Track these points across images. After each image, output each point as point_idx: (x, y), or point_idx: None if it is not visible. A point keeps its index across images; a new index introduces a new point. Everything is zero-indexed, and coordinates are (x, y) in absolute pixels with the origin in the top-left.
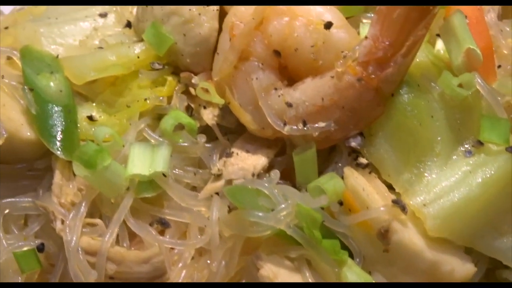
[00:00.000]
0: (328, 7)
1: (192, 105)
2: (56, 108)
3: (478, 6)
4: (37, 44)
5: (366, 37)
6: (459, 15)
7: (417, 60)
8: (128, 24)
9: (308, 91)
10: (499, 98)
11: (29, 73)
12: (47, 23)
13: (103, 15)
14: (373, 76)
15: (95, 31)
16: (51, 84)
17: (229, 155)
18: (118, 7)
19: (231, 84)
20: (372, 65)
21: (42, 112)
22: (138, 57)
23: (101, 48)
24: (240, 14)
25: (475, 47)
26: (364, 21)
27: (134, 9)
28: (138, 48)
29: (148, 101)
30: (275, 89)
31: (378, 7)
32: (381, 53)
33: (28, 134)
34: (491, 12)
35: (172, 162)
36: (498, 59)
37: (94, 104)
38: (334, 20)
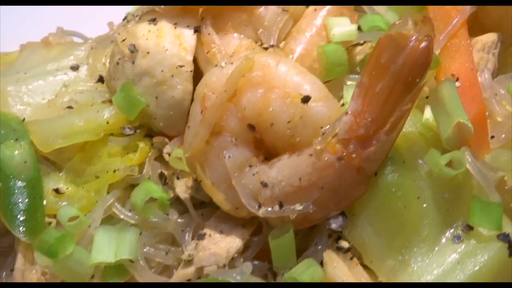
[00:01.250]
0: (307, 77)
1: (166, 173)
2: (19, 184)
3: (472, 67)
4: (4, 105)
5: (346, 112)
6: (448, 84)
7: (404, 130)
8: (101, 79)
9: (285, 170)
10: (493, 174)
11: None
12: (16, 80)
13: (75, 68)
14: (354, 155)
15: (65, 88)
16: (16, 153)
17: (202, 237)
18: (90, 59)
19: (202, 161)
20: (353, 143)
21: (4, 188)
22: (108, 122)
23: (70, 107)
24: (212, 84)
25: (466, 120)
26: (349, 83)
27: (107, 59)
28: (107, 113)
29: (117, 173)
30: (250, 166)
31: (359, 79)
32: (362, 130)
33: None
34: (485, 72)
35: (143, 240)
36: (491, 127)
37: (61, 174)
38: (313, 91)
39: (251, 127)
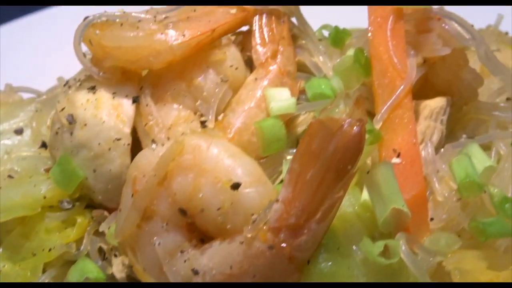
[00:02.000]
0: (239, 160)
1: (105, 247)
2: None
3: (414, 141)
4: None
5: (277, 200)
6: (384, 167)
7: (341, 210)
8: (44, 145)
9: (216, 258)
10: (431, 259)
11: None
12: None
13: (19, 132)
14: (284, 244)
15: (7, 155)
16: None
17: None
18: (34, 123)
19: (134, 246)
20: (284, 231)
21: None
22: (45, 197)
23: (11, 177)
24: (143, 166)
25: (402, 206)
26: (288, 157)
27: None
28: (44, 187)
29: (53, 251)
30: (181, 252)
31: (290, 165)
32: (293, 219)
33: None
34: (428, 146)
35: None
36: (432, 207)
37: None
38: (244, 176)
39: (183, 211)
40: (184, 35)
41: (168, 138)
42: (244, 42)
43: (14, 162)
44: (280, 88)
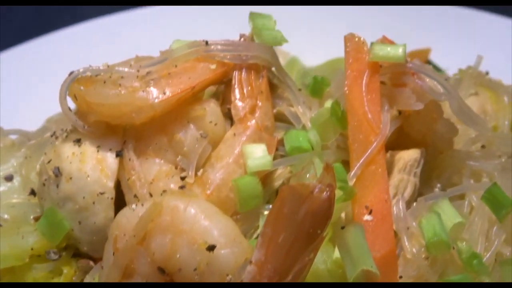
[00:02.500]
0: (216, 220)
1: None
2: None
3: (386, 197)
4: None
5: (250, 261)
6: (355, 229)
7: (314, 267)
8: (33, 192)
9: None
10: None
11: None
12: None
13: (9, 179)
14: None
15: None
16: None
17: None
18: (23, 170)
19: None
20: None
21: None
22: (32, 249)
23: (3, 222)
24: (123, 226)
25: (371, 267)
26: (265, 212)
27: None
28: (32, 239)
29: None
30: None
31: (263, 229)
32: (265, 280)
33: None
34: (400, 202)
35: None
36: (402, 263)
37: None
38: (220, 238)
39: (161, 270)
40: (164, 93)
41: (150, 194)
42: (224, 94)
43: (4, 209)
44: (257, 145)
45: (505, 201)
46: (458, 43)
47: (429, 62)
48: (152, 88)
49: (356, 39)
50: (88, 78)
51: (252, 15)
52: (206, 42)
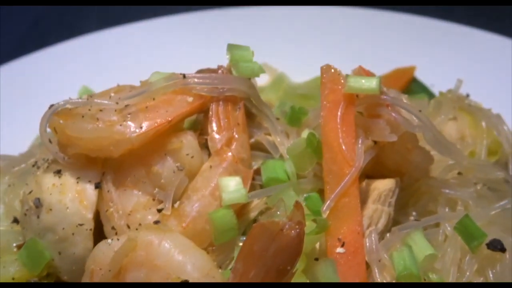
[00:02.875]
0: (190, 255)
1: None
2: None
3: (359, 230)
4: None
5: None
6: (327, 265)
7: None
8: (16, 220)
9: None
10: None
11: None
12: None
13: None
14: None
15: None
16: None
17: None
18: (7, 198)
19: None
20: None
21: None
22: (13, 278)
23: None
24: (99, 260)
25: None
26: (240, 244)
27: None
28: (13, 269)
29: None
30: None
31: (234, 265)
32: None
33: None
34: (372, 234)
35: None
36: None
37: None
38: (194, 272)
39: None
40: (141, 127)
41: (128, 226)
42: (203, 125)
43: None
44: (233, 178)
45: (476, 232)
46: (444, 59)
47: (414, 80)
48: (129, 122)
49: (332, 70)
50: (67, 112)
51: (230, 47)
52: (184, 76)
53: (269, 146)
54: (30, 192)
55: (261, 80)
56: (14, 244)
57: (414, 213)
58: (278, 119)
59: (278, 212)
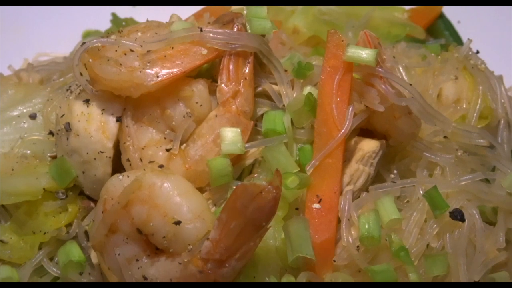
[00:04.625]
0: (186, 198)
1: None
2: None
3: (336, 189)
4: None
5: (208, 238)
6: (299, 221)
7: (265, 242)
8: (51, 133)
9: (161, 270)
10: None
11: None
12: None
13: (33, 117)
14: (210, 271)
15: (21, 140)
16: None
17: None
18: (45, 111)
19: (102, 250)
20: (210, 262)
21: None
22: (44, 189)
23: (24, 158)
24: (111, 192)
25: (307, 255)
26: (234, 186)
27: None
28: (44, 181)
29: (47, 235)
30: (137, 260)
31: (220, 214)
32: (218, 255)
33: None
34: (348, 194)
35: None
36: (338, 250)
37: (8, 224)
38: (187, 214)
39: (139, 231)
40: (158, 76)
41: (141, 159)
42: (216, 72)
43: (27, 145)
44: (233, 129)
45: (440, 203)
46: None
47: (441, 16)
48: (148, 70)
49: (338, 36)
50: (96, 52)
51: (247, 6)
52: (201, 29)
53: (274, 96)
54: (62, 116)
55: None
56: (49, 154)
57: (395, 171)
58: (286, 71)
59: (261, 177)
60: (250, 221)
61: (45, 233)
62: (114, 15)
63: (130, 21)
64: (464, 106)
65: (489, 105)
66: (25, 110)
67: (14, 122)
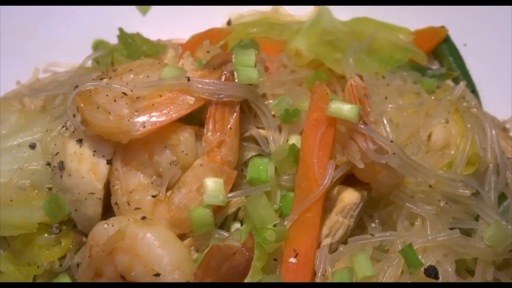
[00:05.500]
0: (167, 250)
1: None
2: None
3: (313, 245)
4: None
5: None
6: (272, 280)
7: None
8: (49, 163)
9: None
10: None
11: None
12: None
13: (33, 147)
14: None
15: (20, 170)
16: None
17: None
18: (44, 141)
19: None
20: None
21: None
22: (38, 223)
23: (22, 189)
24: (97, 239)
25: None
26: (216, 235)
27: None
28: (39, 215)
29: (40, 268)
30: None
31: (196, 270)
32: None
33: None
34: (323, 250)
35: None
36: None
37: (5, 254)
38: (167, 266)
39: (122, 277)
40: (144, 126)
41: (128, 203)
42: (204, 117)
43: (25, 175)
44: (217, 180)
45: (414, 261)
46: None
47: (446, 40)
48: (136, 120)
49: (322, 89)
50: (87, 98)
51: (236, 51)
52: (188, 79)
53: (261, 141)
54: (57, 154)
55: (305, 10)
56: (46, 186)
57: (376, 221)
58: (274, 116)
59: (235, 239)
60: (224, 279)
61: (38, 266)
62: (121, 30)
63: (136, 37)
64: (452, 152)
65: (477, 152)
66: (25, 139)
67: (14, 151)
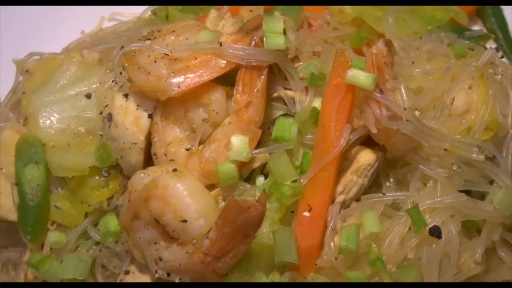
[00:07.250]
0: (196, 198)
1: None
2: (30, 203)
3: (326, 200)
4: (34, 125)
5: (207, 237)
6: (287, 232)
7: (260, 238)
8: (101, 113)
9: (172, 254)
10: None
11: (19, 167)
12: (48, 102)
13: (88, 96)
14: (209, 263)
15: (77, 118)
16: (33, 177)
17: (127, 272)
18: (98, 91)
19: (128, 230)
20: (209, 256)
21: (21, 205)
22: (90, 167)
23: (78, 136)
24: (135, 186)
25: (289, 259)
26: (241, 187)
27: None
28: (90, 160)
29: (90, 206)
30: (155, 243)
31: (217, 219)
32: (215, 252)
33: (14, 218)
34: (335, 206)
35: (102, 253)
36: (321, 255)
37: (63, 192)
38: (194, 213)
39: (156, 221)
40: (179, 86)
41: (165, 154)
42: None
43: (81, 122)
44: (243, 137)
45: (419, 221)
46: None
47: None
48: (173, 80)
49: (344, 57)
50: (131, 58)
51: (265, 18)
52: (220, 44)
53: (288, 102)
54: (106, 106)
55: None
56: (99, 133)
57: (392, 180)
58: (302, 78)
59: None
60: (239, 230)
61: (89, 205)
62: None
63: None
64: (472, 117)
65: (496, 119)
66: (82, 89)
67: (72, 100)
